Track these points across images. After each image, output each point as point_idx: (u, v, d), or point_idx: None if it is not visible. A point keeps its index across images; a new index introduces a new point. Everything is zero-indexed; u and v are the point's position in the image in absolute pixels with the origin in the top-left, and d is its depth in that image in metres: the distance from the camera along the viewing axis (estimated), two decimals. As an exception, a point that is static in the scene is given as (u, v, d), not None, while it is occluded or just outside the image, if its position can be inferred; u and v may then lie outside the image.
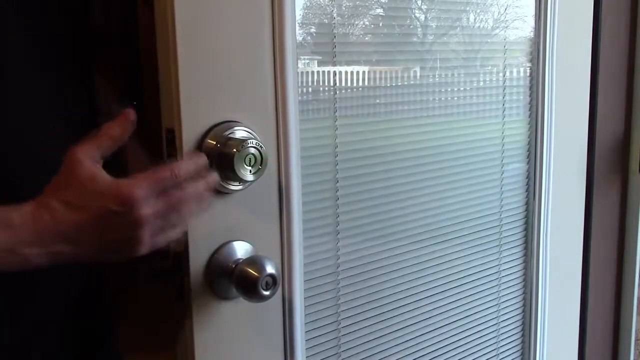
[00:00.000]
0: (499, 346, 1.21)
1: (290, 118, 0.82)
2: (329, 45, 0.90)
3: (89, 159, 0.60)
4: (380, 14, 0.99)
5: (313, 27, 0.89)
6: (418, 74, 1.01)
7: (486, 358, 1.18)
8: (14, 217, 0.58)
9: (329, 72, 0.90)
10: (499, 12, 1.12)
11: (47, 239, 0.59)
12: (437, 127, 1.05)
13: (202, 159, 0.67)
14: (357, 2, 0.94)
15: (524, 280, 1.23)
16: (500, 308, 1.19)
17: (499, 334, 1.20)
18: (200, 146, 0.74)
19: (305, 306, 0.89)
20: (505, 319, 1.21)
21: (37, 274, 0.64)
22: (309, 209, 0.88)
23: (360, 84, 0.94)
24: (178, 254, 0.76)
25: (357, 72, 0.94)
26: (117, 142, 0.64)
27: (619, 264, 1.46)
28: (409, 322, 1.05)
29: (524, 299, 1.24)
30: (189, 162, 0.66)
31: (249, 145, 0.74)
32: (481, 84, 1.11)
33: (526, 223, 1.22)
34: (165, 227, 0.63)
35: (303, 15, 0.86)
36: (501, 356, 1.22)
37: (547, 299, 1.25)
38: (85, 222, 0.59)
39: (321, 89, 0.90)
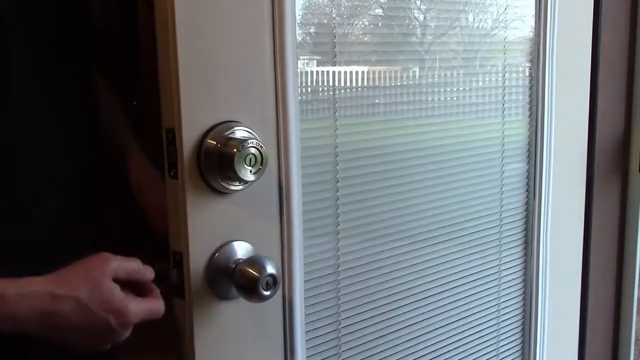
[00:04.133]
0: (499, 346, 1.21)
1: (290, 118, 0.82)
2: (329, 45, 0.90)
3: (113, 275, 0.66)
4: (380, 14, 0.99)
5: (313, 27, 0.89)
6: (417, 74, 1.01)
7: (486, 358, 1.18)
8: (8, 292, 0.61)
9: (328, 72, 0.90)
10: (498, 12, 1.12)
11: (35, 323, 0.62)
12: (437, 127, 1.05)
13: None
14: (357, 2, 0.94)
15: (524, 280, 1.23)
16: (500, 308, 1.19)
17: (499, 334, 1.20)
18: (200, 146, 0.74)
19: (305, 306, 0.89)
20: (505, 319, 1.21)
21: (37, 274, 0.64)
22: (309, 209, 0.88)
23: (360, 84, 0.94)
24: (178, 254, 0.76)
25: (357, 72, 0.94)
26: (137, 281, 0.70)
27: (619, 264, 1.46)
28: (409, 322, 1.05)
29: (524, 299, 1.24)
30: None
31: (249, 145, 0.74)
32: (481, 83, 1.11)
33: (526, 223, 1.22)
34: None
35: (303, 15, 0.86)
36: (501, 356, 1.22)
37: (547, 299, 1.25)
38: (83, 323, 0.64)
39: (321, 89, 0.90)
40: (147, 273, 0.71)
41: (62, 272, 0.65)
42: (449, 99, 1.06)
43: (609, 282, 1.45)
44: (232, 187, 0.76)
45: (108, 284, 0.65)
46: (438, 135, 1.05)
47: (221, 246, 0.77)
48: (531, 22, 1.16)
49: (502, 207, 1.16)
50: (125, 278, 0.68)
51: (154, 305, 0.70)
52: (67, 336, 0.65)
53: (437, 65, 1.04)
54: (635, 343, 1.48)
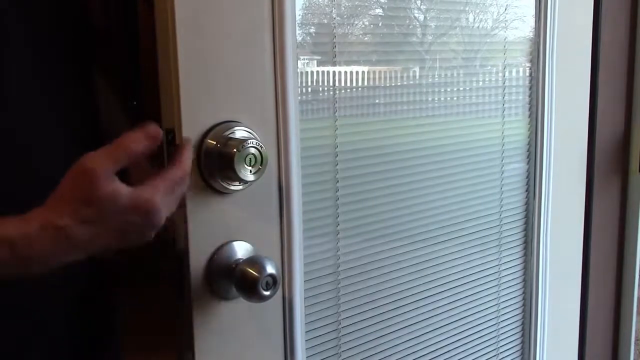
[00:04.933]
0: (499, 346, 1.21)
1: (290, 118, 0.82)
2: (329, 45, 0.90)
3: (105, 173, 0.58)
4: (380, 14, 0.99)
5: (313, 27, 0.89)
6: (418, 74, 1.01)
7: (486, 358, 1.18)
8: (16, 237, 0.56)
9: (328, 72, 0.90)
10: (498, 12, 1.12)
11: (60, 255, 0.58)
12: (437, 127, 1.05)
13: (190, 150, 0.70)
14: (357, 2, 0.94)
15: (524, 280, 1.23)
16: (500, 308, 1.19)
17: (499, 334, 1.20)
18: (200, 146, 0.74)
19: (305, 306, 0.89)
20: (505, 319, 1.21)
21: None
22: (309, 209, 0.88)
23: (360, 84, 0.94)
24: (178, 254, 0.76)
25: (357, 72, 0.94)
26: (134, 158, 0.61)
27: (619, 264, 1.46)
28: (409, 322, 1.05)
29: (524, 299, 1.24)
30: (188, 155, 0.67)
31: (249, 145, 0.74)
32: (481, 83, 1.11)
33: (526, 223, 1.22)
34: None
35: (303, 15, 0.86)
36: (501, 356, 1.22)
37: (547, 299, 1.25)
38: (104, 234, 0.59)
39: (321, 89, 0.90)
40: (137, 142, 0.60)
41: (52, 201, 0.58)
42: (449, 99, 1.06)
43: (609, 282, 1.45)
44: (232, 187, 0.76)
45: (104, 192, 0.57)
46: (438, 135, 1.05)
47: (221, 246, 0.77)
48: (531, 22, 1.16)
49: (502, 207, 1.16)
50: (119, 165, 0.59)
51: (172, 173, 0.63)
52: (99, 247, 0.60)
53: (437, 65, 1.04)
54: (635, 343, 1.48)
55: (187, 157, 0.67)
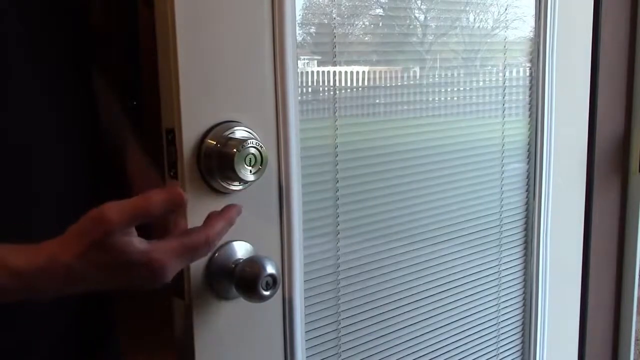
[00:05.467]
0: (499, 346, 1.21)
1: (290, 118, 0.82)
2: (329, 45, 0.90)
3: (121, 226, 0.58)
4: (380, 14, 0.99)
5: (313, 27, 0.89)
6: (418, 74, 1.01)
7: (486, 358, 1.18)
8: (23, 268, 0.58)
9: (328, 72, 0.90)
10: (498, 12, 1.12)
11: (65, 289, 0.60)
12: (437, 127, 1.05)
13: (234, 215, 0.69)
14: (357, 2, 0.94)
15: (524, 280, 1.23)
16: (500, 308, 1.19)
17: (499, 334, 1.20)
18: (200, 146, 0.74)
19: (305, 306, 0.89)
20: (505, 319, 1.21)
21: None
22: (309, 209, 0.88)
23: (360, 84, 0.94)
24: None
25: (357, 72, 0.94)
26: (154, 219, 0.62)
27: (619, 264, 1.46)
28: (409, 322, 1.05)
29: (524, 299, 1.24)
30: (222, 224, 0.67)
31: (249, 145, 0.74)
32: (481, 83, 1.11)
33: (526, 223, 1.22)
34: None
35: (303, 15, 0.86)
36: (501, 356, 1.22)
37: (547, 299, 1.25)
38: (109, 279, 0.60)
39: (321, 89, 0.90)
40: (159, 203, 0.59)
41: (63, 238, 0.59)
42: (449, 99, 1.06)
43: (609, 282, 1.45)
44: (232, 187, 0.76)
45: (117, 243, 0.58)
46: (438, 135, 1.05)
47: (221, 246, 0.77)
48: (531, 22, 1.16)
49: (502, 207, 1.16)
50: (137, 223, 0.60)
51: (192, 238, 0.63)
52: (103, 286, 0.61)
53: (438, 65, 1.04)
54: (635, 343, 1.48)
55: (219, 225, 0.66)
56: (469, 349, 1.15)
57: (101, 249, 0.58)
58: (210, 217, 0.68)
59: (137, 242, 0.60)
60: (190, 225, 0.73)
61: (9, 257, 0.58)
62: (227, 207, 0.70)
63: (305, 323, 0.89)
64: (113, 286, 0.62)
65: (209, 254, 0.76)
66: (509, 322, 1.22)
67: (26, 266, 0.58)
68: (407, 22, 1.01)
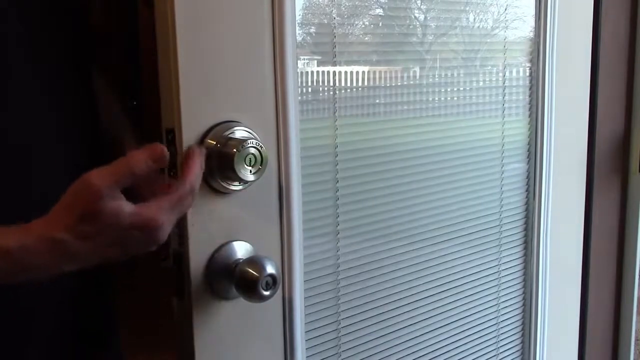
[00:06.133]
0: (499, 346, 1.21)
1: (290, 118, 0.82)
2: (329, 45, 0.90)
3: (107, 190, 0.58)
4: (380, 14, 0.99)
5: (313, 27, 0.89)
6: (418, 74, 1.01)
7: (486, 358, 1.18)
8: (13, 246, 0.57)
9: (328, 72, 0.90)
10: (498, 12, 1.12)
11: (57, 266, 0.59)
12: (437, 127, 1.05)
13: (201, 158, 0.69)
14: (357, 2, 0.94)
15: (524, 280, 1.23)
16: (500, 308, 1.19)
17: (499, 334, 1.20)
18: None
19: (305, 306, 0.89)
20: (505, 319, 1.21)
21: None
22: (309, 209, 0.88)
23: (360, 84, 0.94)
24: (178, 254, 0.76)
25: (357, 72, 0.94)
26: (139, 178, 0.60)
27: (619, 264, 1.46)
28: (409, 322, 1.05)
29: (524, 299, 1.24)
30: (197, 168, 0.67)
31: (249, 145, 0.74)
32: (481, 83, 1.11)
33: (526, 223, 1.22)
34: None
35: (303, 15, 0.86)
36: (501, 356, 1.22)
37: (547, 299, 1.25)
38: (103, 248, 0.59)
39: (321, 89, 0.90)
40: (141, 162, 0.59)
41: (52, 214, 0.58)
42: (449, 99, 1.06)
43: (609, 282, 1.45)
44: (232, 187, 0.76)
45: (106, 208, 0.57)
46: (438, 135, 1.05)
47: (221, 246, 0.77)
48: (531, 22, 1.16)
49: (502, 207, 1.16)
50: (122, 185, 0.59)
51: (178, 191, 0.63)
52: (99, 259, 0.60)
53: (438, 65, 1.04)
54: (635, 343, 1.48)
55: (195, 170, 0.67)
56: (469, 349, 1.15)
57: (92, 218, 0.57)
58: (184, 165, 0.67)
59: (126, 206, 0.59)
60: (189, 226, 0.73)
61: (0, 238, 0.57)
62: (187, 152, 0.69)
63: (305, 323, 0.89)
64: (108, 256, 0.60)
65: (209, 254, 0.76)
66: (509, 322, 1.22)
67: (16, 245, 0.56)
68: (407, 22, 1.01)
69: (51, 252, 0.57)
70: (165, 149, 0.61)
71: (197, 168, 0.67)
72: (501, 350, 1.21)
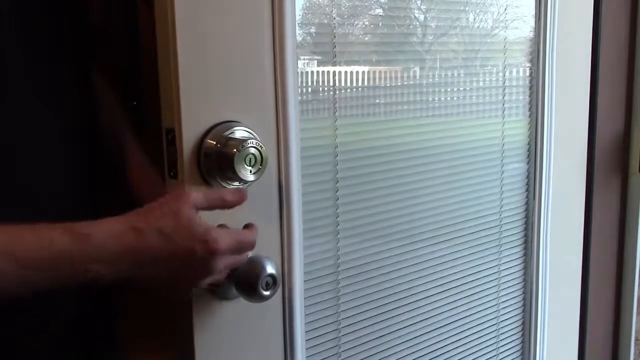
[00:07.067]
0: (499, 346, 1.21)
1: (290, 118, 0.82)
2: (329, 45, 0.90)
3: (194, 202, 0.65)
4: (380, 14, 0.99)
5: (313, 27, 0.89)
6: (418, 74, 1.01)
7: (486, 358, 1.18)
8: (94, 231, 0.60)
9: (329, 72, 0.90)
10: (498, 12, 1.12)
11: (126, 261, 0.61)
12: (437, 127, 1.05)
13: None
14: (357, 2, 0.94)
15: (524, 280, 1.23)
16: (500, 308, 1.19)
17: (499, 334, 1.20)
18: (200, 146, 0.74)
19: (305, 306, 0.89)
20: (505, 319, 1.21)
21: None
22: (309, 209, 0.88)
23: (360, 84, 0.94)
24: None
25: (357, 72, 0.94)
26: (220, 207, 0.70)
27: (619, 264, 1.46)
28: (409, 322, 1.05)
29: (524, 299, 1.24)
30: (256, 233, 0.73)
31: (249, 145, 0.74)
32: (481, 83, 1.11)
33: (526, 223, 1.22)
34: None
35: (303, 15, 0.86)
36: (501, 356, 1.22)
37: (547, 299, 1.25)
38: (170, 254, 0.63)
39: (321, 89, 0.90)
40: (230, 196, 0.70)
41: (142, 209, 0.64)
42: (449, 99, 1.06)
43: (609, 282, 1.45)
44: (232, 187, 0.76)
45: (189, 212, 0.64)
46: (438, 135, 1.05)
47: (221, 246, 0.77)
48: (531, 22, 1.16)
49: (502, 207, 1.16)
50: (207, 205, 0.68)
51: (244, 235, 0.70)
52: (155, 272, 0.64)
53: (438, 65, 1.04)
54: (635, 343, 1.48)
55: (255, 234, 0.73)
56: (469, 349, 1.15)
57: (172, 215, 0.63)
58: (251, 225, 0.75)
59: (202, 221, 0.65)
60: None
61: (76, 225, 0.60)
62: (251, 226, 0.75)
63: (305, 323, 0.89)
64: (169, 263, 0.63)
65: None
66: (509, 322, 1.22)
67: (96, 229, 0.60)
68: (407, 22, 1.01)
69: (128, 241, 0.61)
70: (245, 192, 0.72)
71: (256, 233, 0.73)
72: (501, 350, 1.21)
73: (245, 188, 0.75)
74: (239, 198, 0.71)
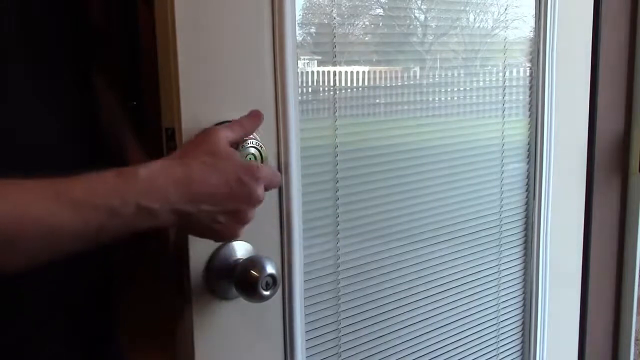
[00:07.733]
0: (499, 346, 1.21)
1: (290, 118, 0.82)
2: (329, 45, 0.90)
3: (226, 136, 0.69)
4: (380, 14, 0.99)
5: (313, 27, 0.89)
6: (418, 74, 1.01)
7: (486, 358, 1.18)
8: (140, 168, 0.61)
9: (329, 72, 0.90)
10: (498, 12, 1.12)
11: (176, 194, 0.62)
12: (437, 127, 1.05)
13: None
14: (357, 2, 0.94)
15: (524, 280, 1.23)
16: (500, 308, 1.19)
17: (499, 334, 1.20)
18: (200, 146, 0.74)
19: (305, 306, 0.89)
20: (505, 319, 1.21)
21: (37, 273, 0.64)
22: (309, 209, 0.88)
23: (360, 84, 0.94)
24: (178, 254, 0.76)
25: (357, 72, 0.94)
26: (246, 134, 0.74)
27: (619, 264, 1.46)
28: (409, 322, 1.05)
29: (524, 299, 1.24)
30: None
31: (249, 145, 0.74)
32: (481, 83, 1.11)
33: (526, 223, 1.22)
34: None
35: (303, 15, 0.86)
36: (501, 356, 1.22)
37: (547, 299, 1.25)
38: (217, 183, 0.64)
39: (321, 89, 0.90)
40: (248, 123, 0.74)
41: (178, 151, 0.67)
42: (449, 99, 1.06)
43: (609, 282, 1.45)
44: (232, 187, 0.76)
45: (225, 146, 0.67)
46: (438, 135, 1.05)
47: (221, 246, 0.77)
48: (531, 22, 1.16)
49: (502, 207, 1.16)
50: (235, 137, 0.71)
51: (275, 172, 0.73)
52: (207, 208, 0.64)
53: (438, 65, 1.04)
54: (635, 343, 1.48)
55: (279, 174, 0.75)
56: (469, 349, 1.15)
57: (211, 153, 0.66)
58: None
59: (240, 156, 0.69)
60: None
61: (123, 168, 0.61)
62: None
63: (305, 323, 0.89)
64: (219, 195, 0.65)
65: (209, 254, 0.77)
66: (509, 322, 1.22)
67: (142, 167, 0.61)
68: (407, 22, 1.01)
69: (176, 175, 0.62)
70: (259, 111, 0.75)
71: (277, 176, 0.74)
72: (501, 350, 1.21)
73: (257, 110, 0.76)
74: (255, 119, 0.75)
